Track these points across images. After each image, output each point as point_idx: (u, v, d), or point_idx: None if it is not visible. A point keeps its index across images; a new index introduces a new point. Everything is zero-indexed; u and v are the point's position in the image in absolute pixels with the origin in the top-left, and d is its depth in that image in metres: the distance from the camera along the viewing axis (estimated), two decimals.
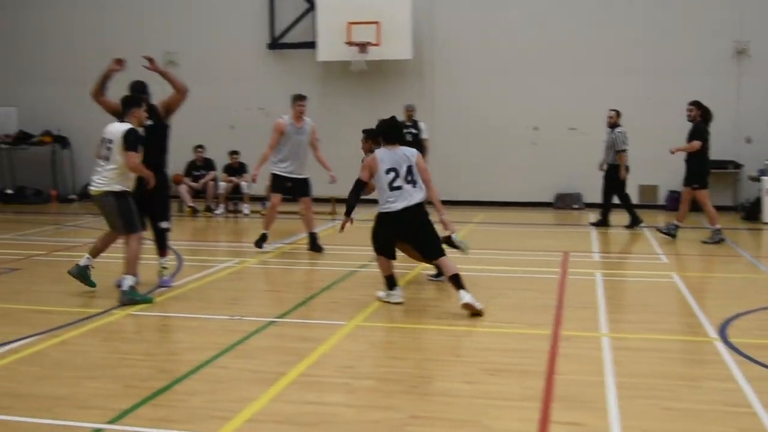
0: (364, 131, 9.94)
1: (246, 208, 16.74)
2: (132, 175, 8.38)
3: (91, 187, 8.46)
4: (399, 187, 8.02)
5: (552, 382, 5.74)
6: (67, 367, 6.23)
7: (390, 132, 8.29)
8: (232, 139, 18.45)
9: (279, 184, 11.69)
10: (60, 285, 9.31)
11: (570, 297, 8.66)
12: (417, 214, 8.09)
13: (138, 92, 8.90)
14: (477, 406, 5.28)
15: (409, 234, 8.26)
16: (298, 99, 11.75)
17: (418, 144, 16.20)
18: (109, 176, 8.29)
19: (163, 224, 9.08)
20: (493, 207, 17.87)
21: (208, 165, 17.41)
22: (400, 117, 16.48)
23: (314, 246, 11.58)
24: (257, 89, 19.16)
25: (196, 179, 17.22)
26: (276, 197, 11.72)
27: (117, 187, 8.31)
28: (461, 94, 18.46)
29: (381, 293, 8.38)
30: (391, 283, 8.24)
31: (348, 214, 8.31)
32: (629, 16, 17.67)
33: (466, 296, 7.68)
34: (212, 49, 19.54)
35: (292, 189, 11.76)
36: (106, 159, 8.30)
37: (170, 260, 9.33)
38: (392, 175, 8.04)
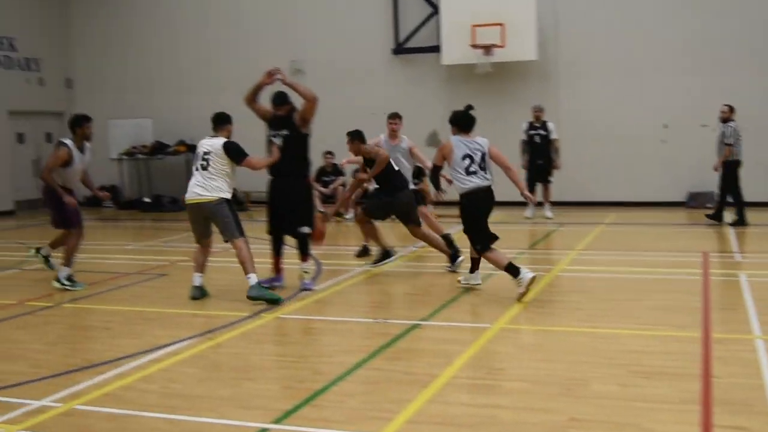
0: (348, 134, 10.54)
1: None
2: (231, 183, 8.97)
3: (194, 197, 8.93)
4: (474, 172, 8.64)
5: (710, 386, 5.64)
6: (225, 368, 6.47)
7: (462, 121, 8.90)
8: None
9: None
10: (207, 289, 9.70)
11: (716, 298, 8.47)
12: (491, 196, 8.80)
13: (280, 102, 9.23)
14: (636, 409, 5.23)
15: (487, 213, 8.83)
16: (390, 117, 11.83)
17: (549, 144, 16.11)
18: (212, 186, 8.84)
19: (304, 230, 9.30)
20: (623, 207, 17.54)
21: (336, 171, 17.74)
22: (527, 118, 16.44)
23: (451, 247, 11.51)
24: (383, 94, 19.37)
25: (325, 185, 17.60)
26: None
27: (222, 195, 8.87)
28: (587, 93, 18.22)
29: (463, 278, 9.11)
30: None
31: (438, 188, 9.10)
32: (764, 9, 17.11)
33: (527, 274, 8.34)
34: (338, 55, 19.87)
35: None
36: (205, 169, 8.86)
37: (311, 265, 9.52)
38: (468, 161, 8.65)
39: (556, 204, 16.39)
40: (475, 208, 8.72)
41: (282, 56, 20.14)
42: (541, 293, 8.88)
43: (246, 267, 8.74)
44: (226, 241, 9.04)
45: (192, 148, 20.61)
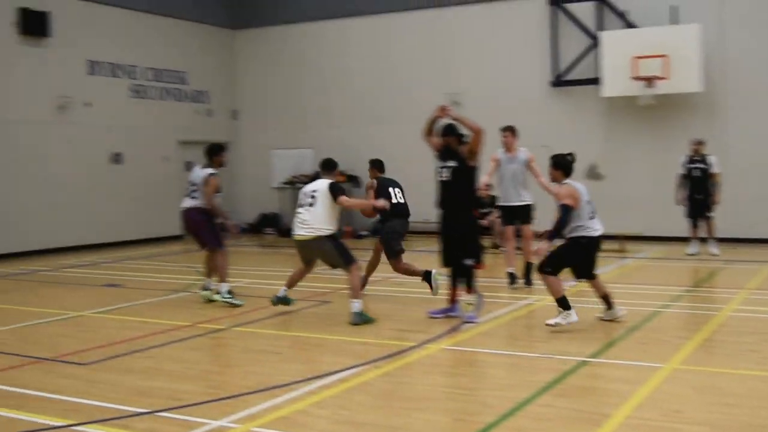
0: (370, 161, 11.56)
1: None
2: (335, 218, 9.75)
3: (301, 233, 9.71)
4: (593, 217, 8.86)
5: None
6: (395, 397, 6.54)
7: (570, 167, 9.10)
8: None
9: (503, 215, 12.32)
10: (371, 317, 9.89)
11: None
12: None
13: (449, 134, 9.36)
14: None
15: (593, 260, 8.99)
16: (503, 130, 12.48)
17: (708, 179, 15.57)
18: (318, 222, 9.59)
19: (469, 261, 9.33)
20: None
21: (493, 202, 17.63)
22: (686, 152, 15.93)
23: (527, 278, 11.76)
24: (540, 127, 19.23)
25: (482, 217, 17.48)
26: (507, 230, 12.21)
27: (328, 231, 9.64)
28: (755, 125, 17.51)
29: (554, 320, 8.69)
30: (565, 303, 8.65)
31: (551, 239, 8.84)
32: None
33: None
34: (495, 88, 19.89)
35: (515, 216, 12.07)
36: (311, 206, 9.63)
37: (474, 297, 9.51)
38: (590, 207, 8.84)
39: (722, 240, 15.78)
40: (593, 254, 8.96)
41: (438, 89, 20.38)
42: (713, 333, 8.58)
43: (355, 293, 9.50)
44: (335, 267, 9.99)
45: (351, 179, 21.08)
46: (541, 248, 8.90)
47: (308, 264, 10.11)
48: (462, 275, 9.44)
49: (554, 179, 9.14)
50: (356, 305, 9.42)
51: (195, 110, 22.35)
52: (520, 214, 12.06)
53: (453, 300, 9.59)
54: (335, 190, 9.66)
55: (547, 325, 8.67)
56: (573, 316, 8.70)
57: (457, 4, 20.50)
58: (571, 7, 19.14)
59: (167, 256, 16.49)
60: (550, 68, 19.43)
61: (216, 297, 10.98)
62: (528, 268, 11.71)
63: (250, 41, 23.45)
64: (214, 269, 11.16)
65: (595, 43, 18.77)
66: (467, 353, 8.03)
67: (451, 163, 9.34)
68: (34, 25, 18.00)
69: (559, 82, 19.34)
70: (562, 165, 9.09)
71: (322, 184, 9.77)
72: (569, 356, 7.62)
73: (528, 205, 12.09)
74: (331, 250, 9.74)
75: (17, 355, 8.19)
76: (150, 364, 7.75)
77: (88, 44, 19.47)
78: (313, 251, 9.84)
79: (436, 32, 20.76)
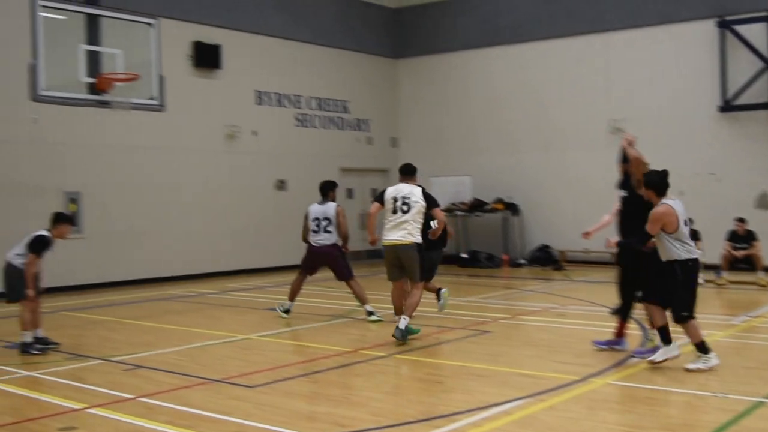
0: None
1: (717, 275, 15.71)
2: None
3: (395, 239, 10.05)
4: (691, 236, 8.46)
5: None
6: None
7: (664, 184, 8.40)
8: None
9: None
10: (531, 348, 9.73)
11: None
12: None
13: (621, 161, 9.14)
14: None
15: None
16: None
17: None
18: (411, 230, 10.00)
19: (640, 294, 9.01)
20: None
21: (751, 236, 16.17)
22: None
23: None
24: (707, 153, 18.56)
25: (736, 249, 16.07)
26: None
27: (417, 239, 10.05)
28: None
29: (694, 365, 8.27)
30: (705, 347, 8.31)
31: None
32: None
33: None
34: (659, 113, 19.34)
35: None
36: (405, 213, 10.03)
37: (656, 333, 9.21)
38: (688, 227, 8.33)
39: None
40: (696, 277, 8.39)
41: (601, 115, 20.02)
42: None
43: (409, 312, 9.99)
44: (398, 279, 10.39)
45: (510, 206, 20.92)
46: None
47: (400, 276, 10.33)
48: (628, 309, 9.15)
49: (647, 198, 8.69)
50: (404, 321, 9.86)
51: (356, 138, 22.80)
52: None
53: (620, 333, 9.29)
54: (430, 199, 10.19)
55: (687, 370, 8.28)
56: (713, 359, 8.30)
57: (620, 29, 20.07)
58: (741, 28, 18.39)
59: (329, 281, 16.77)
60: (719, 92, 18.69)
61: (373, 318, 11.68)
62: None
63: (410, 69, 23.76)
64: (361, 296, 11.87)
65: (767, 65, 17.96)
66: (634, 389, 7.75)
67: (623, 193, 9.13)
68: (206, 57, 18.89)
69: (728, 107, 18.57)
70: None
71: (415, 190, 10.19)
72: (744, 396, 7.24)
73: None
74: (415, 260, 10.16)
75: (188, 375, 8.50)
76: (314, 388, 7.88)
77: (256, 75, 20.23)
78: (401, 258, 10.13)
79: (598, 57, 20.40)
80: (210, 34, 19.09)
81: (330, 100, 22.14)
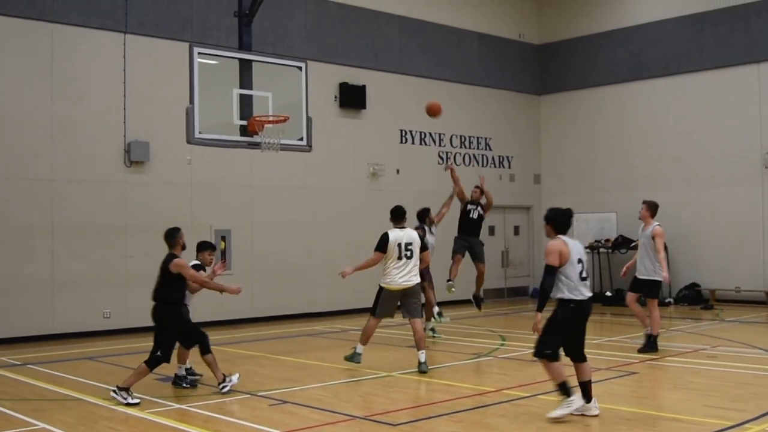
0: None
1: None
2: None
3: (406, 283, 11.14)
4: (586, 279, 8.14)
5: None
6: None
7: (565, 220, 8.26)
8: None
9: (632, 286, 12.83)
10: (681, 392, 9.43)
11: None
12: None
13: None
14: None
15: (582, 329, 8.24)
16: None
17: None
18: (415, 272, 11.22)
19: None
20: None
21: None
22: None
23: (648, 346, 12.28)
24: None
25: None
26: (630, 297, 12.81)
27: (419, 279, 11.32)
28: None
29: (557, 412, 7.99)
30: (567, 389, 8.00)
31: (541, 309, 8.13)
32: None
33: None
34: None
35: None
36: (410, 258, 11.13)
37: None
38: (581, 266, 8.10)
39: None
40: (574, 319, 8.17)
41: (753, 149, 19.29)
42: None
43: (420, 344, 10.97)
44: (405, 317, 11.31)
45: None
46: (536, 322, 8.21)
47: (391, 315, 11.47)
48: None
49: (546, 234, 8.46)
50: (423, 355, 10.94)
51: (499, 175, 22.74)
52: (645, 288, 12.64)
53: None
54: (423, 245, 11.39)
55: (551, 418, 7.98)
56: (576, 402, 8.02)
57: None
58: None
59: (468, 319, 16.73)
60: None
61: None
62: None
63: (553, 105, 23.60)
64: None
65: None
66: None
67: None
68: (352, 98, 19.34)
69: None
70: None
71: (413, 235, 11.30)
72: None
73: (654, 281, 12.49)
74: (419, 295, 11.58)
75: (332, 411, 8.63)
76: (457, 428, 7.86)
77: (400, 114, 20.52)
78: (407, 296, 11.21)
79: (750, 88, 19.68)
80: (355, 75, 19.53)
81: (473, 137, 22.20)
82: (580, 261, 8.16)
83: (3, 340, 14.35)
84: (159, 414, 8.63)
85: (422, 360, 10.91)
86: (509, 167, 23.08)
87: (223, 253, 17.20)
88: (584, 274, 8.16)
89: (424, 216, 14.43)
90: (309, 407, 8.89)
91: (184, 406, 9.01)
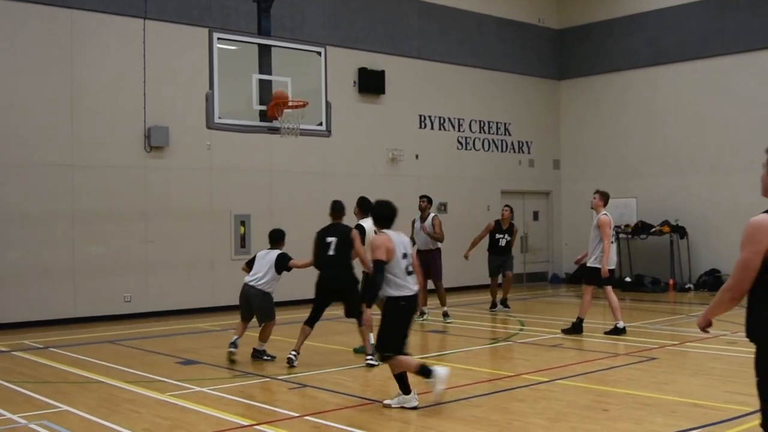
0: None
1: None
2: None
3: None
4: (412, 273, 8.03)
5: None
6: None
7: (390, 214, 8.26)
8: None
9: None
10: (701, 377, 9.41)
11: None
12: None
13: None
14: None
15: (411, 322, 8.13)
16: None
17: None
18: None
19: None
20: None
21: None
22: None
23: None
24: None
25: None
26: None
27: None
28: None
29: (392, 400, 8.08)
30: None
31: (371, 302, 8.18)
32: None
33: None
34: None
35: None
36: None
37: None
38: (406, 261, 7.96)
39: None
40: (405, 315, 8.04)
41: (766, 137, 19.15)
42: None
43: (366, 341, 10.26)
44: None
45: (677, 229, 20.27)
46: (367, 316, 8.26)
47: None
48: None
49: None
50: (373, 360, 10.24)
51: (518, 161, 22.69)
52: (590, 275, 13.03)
53: None
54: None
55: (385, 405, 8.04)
56: (413, 401, 8.00)
57: None
58: None
59: (487, 304, 16.74)
60: None
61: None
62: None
63: (573, 90, 23.49)
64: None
65: None
66: None
67: None
68: (371, 83, 19.32)
69: None
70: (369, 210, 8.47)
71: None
72: None
73: (593, 268, 12.76)
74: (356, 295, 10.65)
75: (352, 395, 8.68)
76: (476, 413, 7.87)
77: (419, 99, 20.49)
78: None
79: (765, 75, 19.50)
80: (375, 61, 19.51)
81: (492, 122, 22.15)
82: (405, 256, 8.04)
83: (25, 323, 14.49)
84: (180, 397, 8.69)
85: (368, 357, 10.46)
86: (528, 152, 23.01)
87: (243, 238, 17.26)
88: (410, 269, 8.04)
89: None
90: (328, 391, 8.93)
91: (204, 389, 9.08)
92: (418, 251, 13.95)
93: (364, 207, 11.18)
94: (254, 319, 10.98)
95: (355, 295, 10.49)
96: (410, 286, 8.01)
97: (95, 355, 11.43)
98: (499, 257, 16.41)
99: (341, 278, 10.46)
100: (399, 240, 8.11)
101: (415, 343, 12.25)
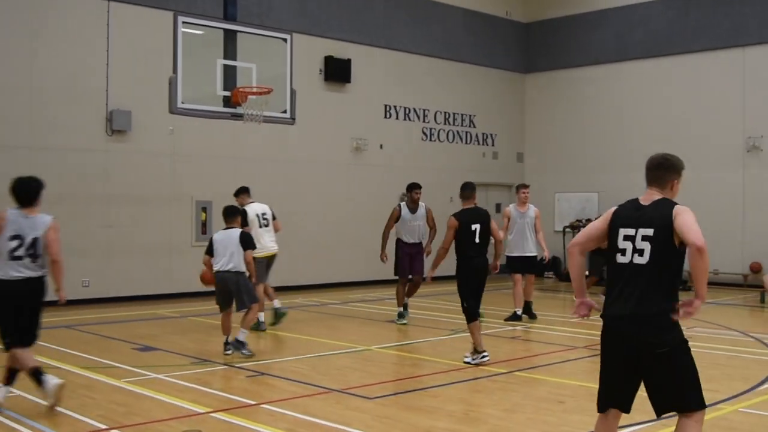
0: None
1: None
2: None
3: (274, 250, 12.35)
4: (19, 258, 7.65)
5: None
6: None
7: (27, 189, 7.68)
8: None
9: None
10: None
11: None
12: None
13: None
14: None
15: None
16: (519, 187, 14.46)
17: None
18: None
19: None
20: None
21: None
22: None
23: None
24: None
25: None
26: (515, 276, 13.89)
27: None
28: None
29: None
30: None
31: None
32: None
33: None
34: None
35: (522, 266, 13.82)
36: (267, 226, 12.33)
37: None
38: (16, 242, 7.49)
39: None
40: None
41: (735, 133, 19.35)
42: None
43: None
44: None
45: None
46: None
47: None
48: None
49: None
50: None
51: (482, 153, 22.75)
52: (525, 265, 13.89)
53: None
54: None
55: None
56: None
57: (759, 44, 19.34)
58: None
59: (449, 295, 16.77)
60: None
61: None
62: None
63: (539, 84, 23.58)
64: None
65: None
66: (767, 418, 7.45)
67: None
68: (337, 71, 19.23)
69: None
70: None
71: (266, 208, 12.63)
72: None
73: (529, 257, 13.88)
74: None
75: (309, 384, 8.65)
76: (434, 403, 7.89)
77: (385, 89, 20.46)
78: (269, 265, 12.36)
79: (734, 72, 19.70)
80: (341, 49, 19.43)
81: (457, 114, 22.17)
82: (15, 238, 7.50)
83: None
84: (136, 383, 8.62)
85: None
86: (493, 145, 23.08)
87: (204, 224, 17.13)
88: (17, 253, 7.51)
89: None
90: (286, 379, 8.91)
91: (161, 376, 9.01)
92: (410, 244, 13.69)
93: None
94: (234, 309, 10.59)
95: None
96: (10, 270, 7.60)
97: (51, 341, 11.26)
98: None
99: None
100: (14, 218, 7.59)
101: (375, 333, 12.28)
